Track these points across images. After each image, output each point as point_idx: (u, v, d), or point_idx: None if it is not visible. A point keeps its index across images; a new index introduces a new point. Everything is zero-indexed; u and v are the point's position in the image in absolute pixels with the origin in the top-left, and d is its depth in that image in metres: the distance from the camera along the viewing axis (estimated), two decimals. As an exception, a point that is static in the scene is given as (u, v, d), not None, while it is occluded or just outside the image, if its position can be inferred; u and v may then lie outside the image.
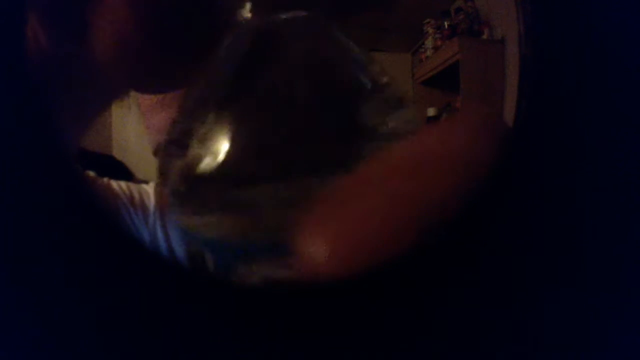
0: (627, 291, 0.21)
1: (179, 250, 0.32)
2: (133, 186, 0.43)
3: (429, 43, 1.98)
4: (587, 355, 0.21)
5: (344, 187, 0.12)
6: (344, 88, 0.15)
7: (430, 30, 1.92)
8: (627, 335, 0.21)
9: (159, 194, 0.39)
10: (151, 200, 0.41)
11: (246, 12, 0.16)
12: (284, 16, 0.16)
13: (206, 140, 0.15)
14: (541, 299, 0.21)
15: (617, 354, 0.21)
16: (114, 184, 0.40)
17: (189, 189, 0.15)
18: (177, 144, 0.16)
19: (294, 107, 0.15)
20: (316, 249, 0.11)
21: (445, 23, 1.78)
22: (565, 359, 0.21)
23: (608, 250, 0.20)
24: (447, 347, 0.20)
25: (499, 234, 0.21)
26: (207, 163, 0.15)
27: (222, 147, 0.14)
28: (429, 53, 2.04)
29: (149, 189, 0.43)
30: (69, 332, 0.20)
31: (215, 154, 0.14)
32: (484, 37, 1.60)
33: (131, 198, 0.42)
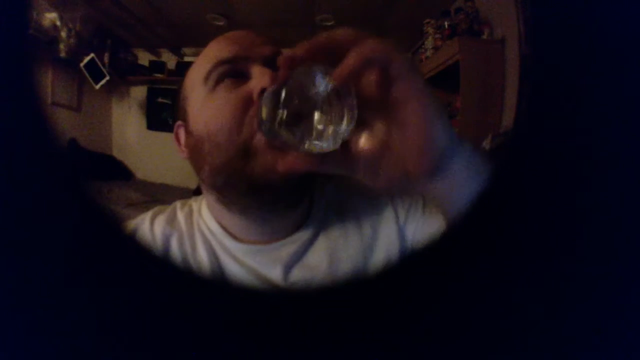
0: (626, 291, 0.21)
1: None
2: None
3: (429, 43, 1.98)
4: (588, 354, 0.21)
5: None
6: None
7: (430, 30, 1.92)
8: (627, 334, 0.21)
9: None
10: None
11: None
12: None
13: None
14: (542, 299, 0.21)
15: (617, 354, 0.21)
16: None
17: None
18: None
19: None
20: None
21: (445, 23, 1.78)
22: (565, 358, 0.21)
23: (608, 249, 0.20)
24: (446, 347, 0.20)
25: (499, 234, 0.21)
26: None
27: None
28: (429, 53, 2.04)
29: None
30: (69, 331, 0.20)
31: None
32: (484, 37, 1.60)
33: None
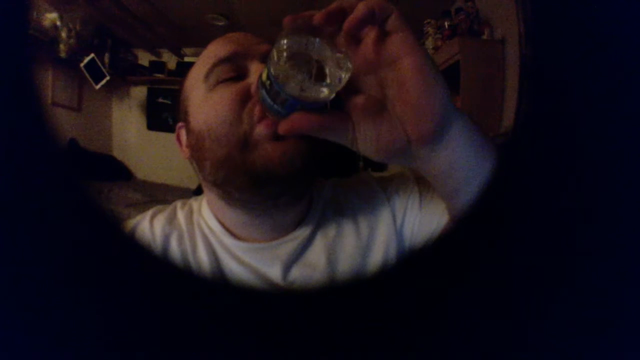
0: (627, 291, 0.21)
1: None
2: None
3: (429, 43, 1.99)
4: (588, 354, 0.21)
5: None
6: None
7: (431, 30, 1.92)
8: (627, 334, 0.21)
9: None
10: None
11: None
12: None
13: None
14: (541, 299, 0.21)
15: (617, 354, 0.21)
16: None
17: None
18: None
19: None
20: None
21: (446, 23, 1.78)
22: (566, 359, 0.21)
23: (608, 249, 0.20)
24: (445, 347, 0.20)
25: (498, 234, 0.21)
26: None
27: None
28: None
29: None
30: (68, 330, 0.20)
31: None
32: (484, 37, 1.60)
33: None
